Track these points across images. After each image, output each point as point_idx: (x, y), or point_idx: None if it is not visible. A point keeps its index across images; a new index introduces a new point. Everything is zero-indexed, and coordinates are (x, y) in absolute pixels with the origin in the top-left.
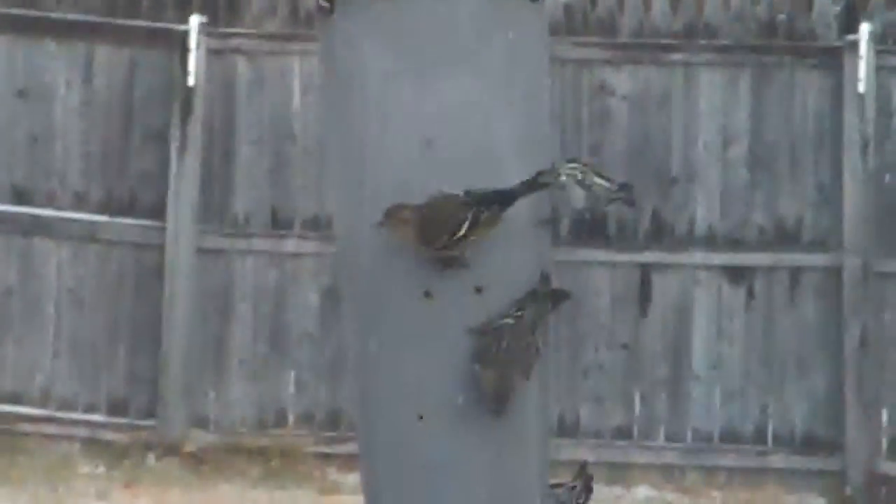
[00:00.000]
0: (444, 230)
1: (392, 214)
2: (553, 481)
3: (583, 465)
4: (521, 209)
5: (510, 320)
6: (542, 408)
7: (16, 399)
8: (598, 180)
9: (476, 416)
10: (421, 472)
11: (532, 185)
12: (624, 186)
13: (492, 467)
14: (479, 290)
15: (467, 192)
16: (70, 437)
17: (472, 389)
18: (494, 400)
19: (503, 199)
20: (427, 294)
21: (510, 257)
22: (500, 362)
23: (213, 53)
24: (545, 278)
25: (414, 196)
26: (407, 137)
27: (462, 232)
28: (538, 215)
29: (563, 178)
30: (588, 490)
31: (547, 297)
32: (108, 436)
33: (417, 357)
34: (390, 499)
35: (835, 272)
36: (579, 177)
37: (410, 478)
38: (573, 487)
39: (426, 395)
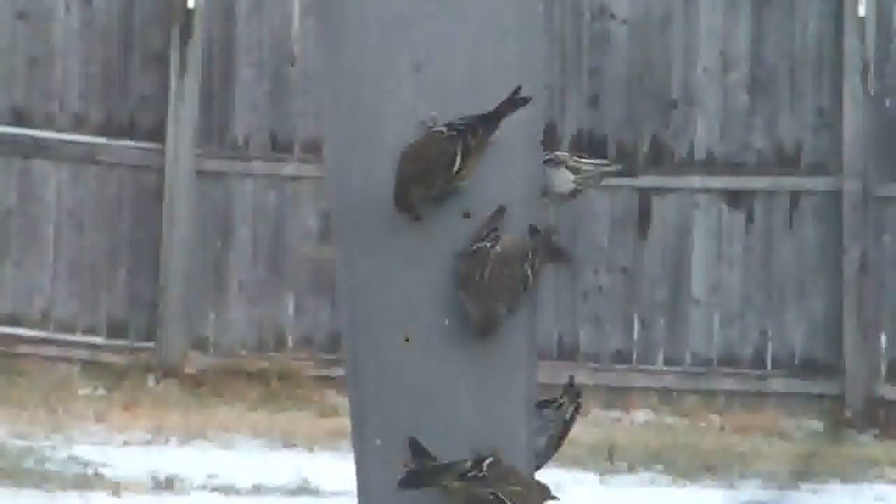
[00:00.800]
0: (439, 169)
1: (400, 197)
2: (539, 398)
3: (569, 382)
4: (511, 130)
5: (487, 243)
6: (530, 329)
7: (15, 321)
8: (586, 165)
9: (462, 339)
10: (407, 394)
11: (513, 102)
12: (623, 160)
13: (478, 388)
14: (467, 215)
15: (449, 125)
16: (69, 359)
17: (458, 313)
18: (479, 326)
19: (487, 122)
20: (416, 218)
21: (499, 180)
22: (483, 290)
23: None
24: (542, 212)
25: (404, 119)
26: (398, 60)
27: (457, 166)
28: (530, 136)
29: (557, 154)
30: (577, 407)
31: (542, 235)
32: (108, 358)
33: (406, 280)
34: (376, 420)
35: (834, 196)
36: (570, 163)
37: (396, 399)
38: (560, 405)
39: (413, 318)
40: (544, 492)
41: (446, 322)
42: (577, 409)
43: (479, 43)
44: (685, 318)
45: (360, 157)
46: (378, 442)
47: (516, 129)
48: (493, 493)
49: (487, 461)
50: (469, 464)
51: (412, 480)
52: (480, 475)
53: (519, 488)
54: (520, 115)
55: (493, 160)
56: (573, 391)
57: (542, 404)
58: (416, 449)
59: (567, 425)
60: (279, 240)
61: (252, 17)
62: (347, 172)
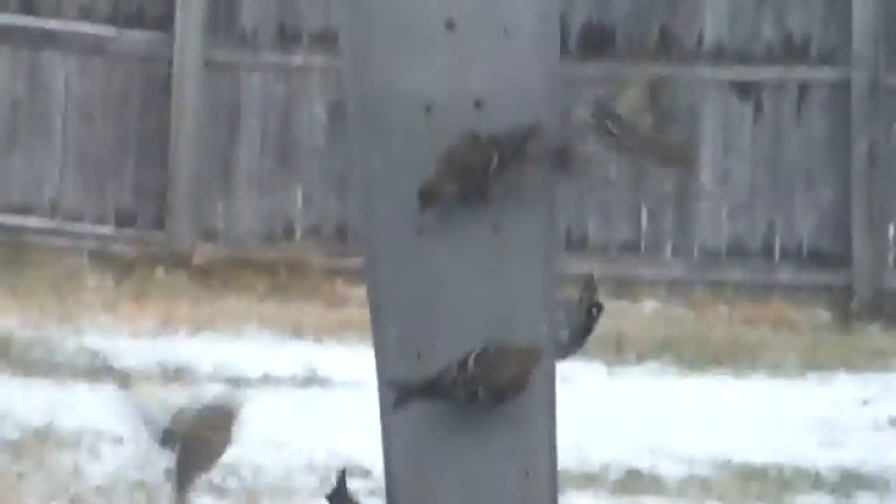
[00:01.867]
0: (475, 172)
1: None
2: (562, 296)
3: (589, 279)
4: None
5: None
6: (548, 220)
7: (24, 211)
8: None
9: (477, 229)
10: (422, 285)
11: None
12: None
13: (494, 278)
14: (478, 104)
15: (491, 136)
16: (78, 250)
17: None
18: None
19: (523, 139)
20: (428, 109)
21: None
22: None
23: None
24: None
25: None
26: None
27: (492, 169)
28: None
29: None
30: (597, 304)
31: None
32: (116, 248)
33: (420, 171)
34: (393, 311)
35: (843, 86)
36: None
37: (412, 290)
38: (581, 301)
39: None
40: (536, 355)
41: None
42: (598, 307)
43: None
44: (693, 209)
45: (380, 47)
46: (394, 334)
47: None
48: (481, 389)
49: (473, 356)
50: (455, 367)
51: (402, 401)
52: (464, 378)
53: (509, 371)
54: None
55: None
56: (592, 287)
57: (562, 301)
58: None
59: (590, 321)
60: (287, 131)
61: None
62: (365, 62)
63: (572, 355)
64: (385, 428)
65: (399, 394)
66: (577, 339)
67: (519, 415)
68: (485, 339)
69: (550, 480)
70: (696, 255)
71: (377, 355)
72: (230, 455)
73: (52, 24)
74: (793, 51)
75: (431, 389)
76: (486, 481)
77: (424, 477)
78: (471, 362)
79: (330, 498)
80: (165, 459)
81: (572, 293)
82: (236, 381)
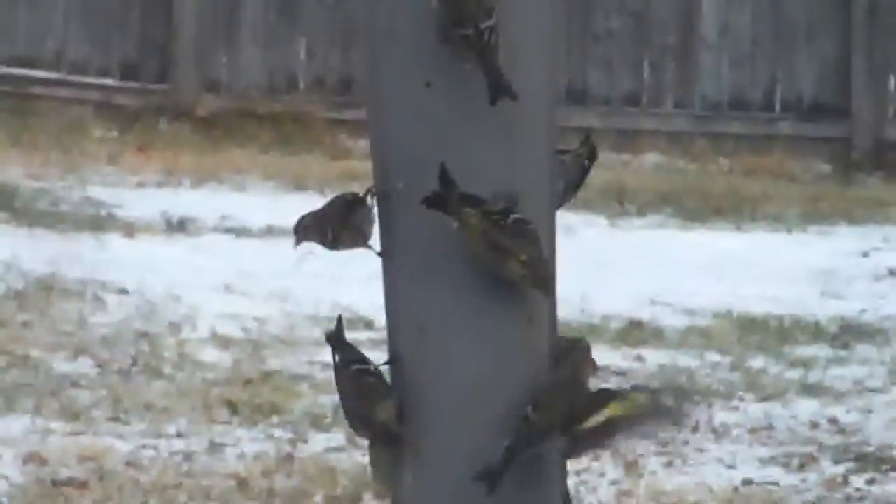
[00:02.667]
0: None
1: None
2: (560, 148)
3: (587, 133)
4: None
5: None
6: (551, 78)
7: (29, 63)
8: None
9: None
10: (429, 136)
11: None
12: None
13: (501, 132)
14: None
15: None
16: (82, 101)
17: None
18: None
19: None
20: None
21: None
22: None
23: None
24: None
25: None
26: None
27: None
28: None
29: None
30: (593, 156)
31: None
32: (121, 100)
33: (426, 23)
34: (398, 164)
35: None
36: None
37: (418, 141)
38: (579, 154)
39: (436, 62)
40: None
41: (466, 66)
42: (593, 158)
43: None
44: (695, 62)
45: None
46: (400, 185)
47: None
48: (508, 247)
49: (514, 216)
50: (498, 208)
51: (434, 201)
52: (502, 221)
53: (533, 254)
54: None
55: None
56: (590, 142)
57: (560, 152)
58: (445, 177)
59: (584, 172)
60: None
61: None
62: None
63: (564, 205)
64: (388, 279)
65: (433, 195)
66: (571, 189)
67: None
68: (491, 192)
69: (551, 329)
70: (697, 107)
71: (381, 210)
72: (234, 306)
73: None
74: None
75: (465, 204)
76: (490, 330)
77: (427, 327)
78: (511, 219)
79: (328, 339)
80: (170, 311)
81: (571, 145)
82: (239, 232)
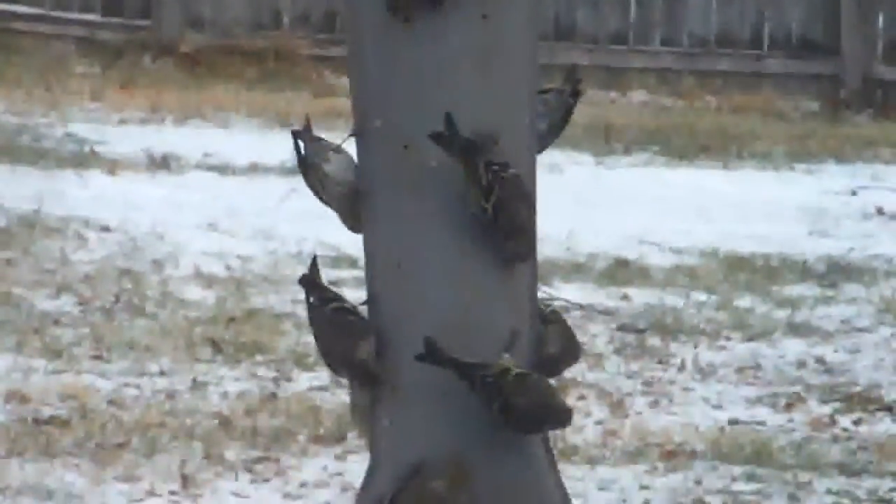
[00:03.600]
0: None
1: None
2: (543, 87)
3: (571, 69)
4: None
5: None
6: (531, 16)
7: None
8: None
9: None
10: (409, 74)
11: None
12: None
13: (479, 70)
14: None
15: None
16: (65, 37)
17: None
18: None
19: None
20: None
21: None
22: None
23: None
24: None
25: None
26: None
27: None
28: None
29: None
30: (576, 93)
31: None
32: (104, 35)
33: None
34: (378, 102)
35: None
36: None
37: (398, 81)
38: (562, 91)
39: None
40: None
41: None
42: (577, 96)
43: None
44: None
45: None
46: (378, 123)
47: None
48: (497, 408)
49: (513, 374)
50: (490, 373)
51: (427, 360)
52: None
53: (530, 401)
54: None
55: None
56: (574, 78)
57: (543, 91)
58: (450, 124)
59: (568, 111)
60: None
61: None
62: None
63: (549, 145)
64: (366, 217)
65: (430, 355)
66: (555, 129)
67: None
68: (471, 131)
69: (531, 270)
70: (685, 44)
71: (359, 149)
72: (218, 244)
73: None
74: None
75: (460, 370)
76: (467, 271)
77: (404, 266)
78: (510, 378)
79: (302, 281)
80: (153, 249)
81: (556, 83)
82: (223, 170)
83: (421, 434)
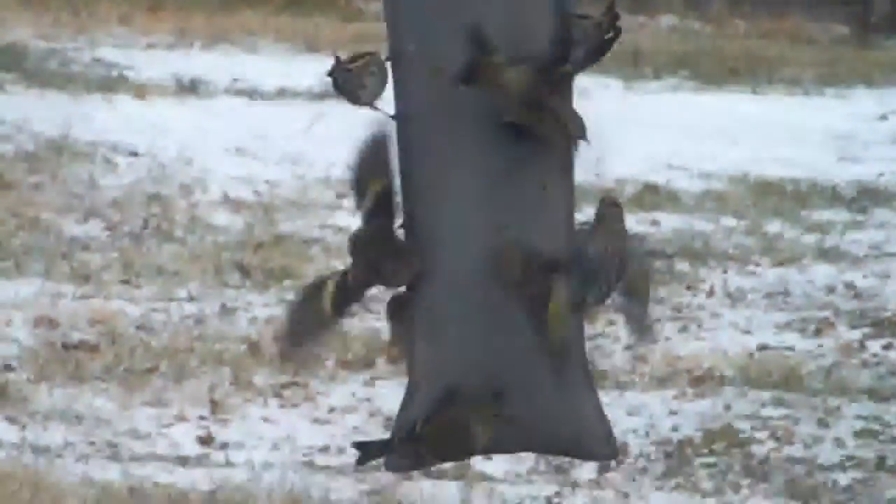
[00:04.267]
0: None
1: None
2: (580, 12)
3: (610, 4)
4: None
5: None
6: None
7: None
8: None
9: None
10: None
11: None
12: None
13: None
14: None
15: None
16: None
17: None
18: None
19: None
20: None
21: None
22: None
23: None
24: None
25: None
26: None
27: None
28: None
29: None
30: (614, 27)
31: None
32: None
33: None
34: (410, 25)
35: None
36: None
37: (427, 5)
38: (600, 24)
39: None
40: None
41: None
42: (614, 28)
43: None
44: None
45: None
46: (412, 47)
47: None
48: (426, 452)
49: (420, 422)
50: (405, 431)
51: (364, 461)
52: (412, 442)
53: (452, 439)
54: None
55: None
56: (612, 12)
57: (579, 17)
58: (477, 37)
59: (604, 42)
60: None
61: None
62: None
63: (582, 72)
64: (401, 142)
65: (363, 453)
66: (590, 56)
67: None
68: (504, 49)
69: (567, 195)
70: None
71: (394, 72)
72: (246, 169)
73: None
74: None
75: (388, 448)
76: (504, 192)
77: (439, 190)
78: (418, 428)
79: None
80: (182, 174)
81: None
82: (251, 94)
83: (457, 357)
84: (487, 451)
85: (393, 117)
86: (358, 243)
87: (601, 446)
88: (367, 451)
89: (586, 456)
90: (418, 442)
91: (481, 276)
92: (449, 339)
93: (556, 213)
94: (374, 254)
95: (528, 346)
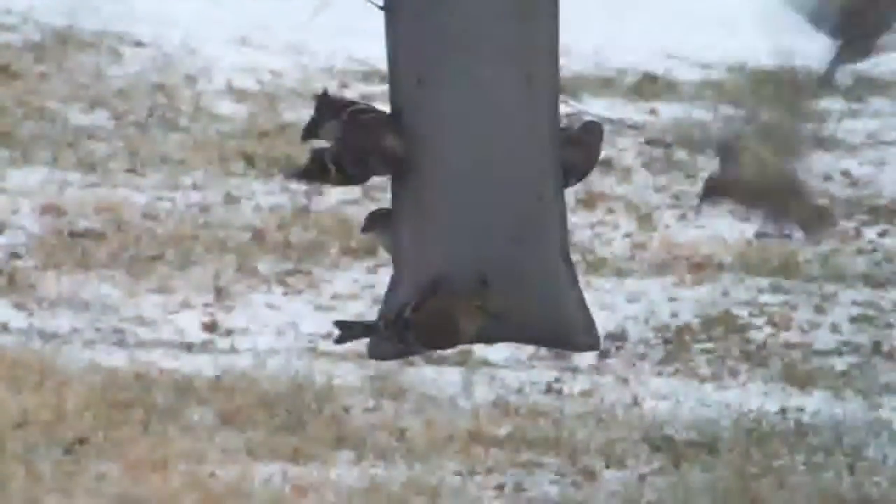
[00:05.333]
0: None
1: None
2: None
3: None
4: None
5: None
6: None
7: None
8: None
9: None
10: None
11: None
12: None
13: None
14: None
15: None
16: None
17: None
18: None
19: None
20: None
21: None
22: None
23: None
24: None
25: None
26: None
27: None
28: None
29: None
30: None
31: None
32: None
33: None
34: None
35: None
36: None
37: None
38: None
39: None
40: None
41: None
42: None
43: None
44: None
45: None
46: None
47: None
48: (412, 337)
49: (409, 307)
50: (394, 314)
51: (345, 339)
52: (399, 325)
53: (440, 324)
54: None
55: None
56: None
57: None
58: None
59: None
60: None
61: None
62: None
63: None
64: (389, 32)
65: (343, 332)
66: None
67: (520, 15)
68: None
69: (552, 87)
70: None
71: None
72: (250, 59)
73: None
74: None
75: (371, 331)
76: (487, 86)
77: (425, 81)
78: (407, 313)
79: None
80: (186, 64)
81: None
82: None
83: (442, 248)
84: (472, 342)
85: (381, 8)
86: (347, 132)
87: (583, 336)
88: (349, 330)
89: (569, 346)
90: (406, 327)
91: (468, 166)
92: (434, 230)
93: (540, 106)
94: (362, 141)
95: (512, 238)
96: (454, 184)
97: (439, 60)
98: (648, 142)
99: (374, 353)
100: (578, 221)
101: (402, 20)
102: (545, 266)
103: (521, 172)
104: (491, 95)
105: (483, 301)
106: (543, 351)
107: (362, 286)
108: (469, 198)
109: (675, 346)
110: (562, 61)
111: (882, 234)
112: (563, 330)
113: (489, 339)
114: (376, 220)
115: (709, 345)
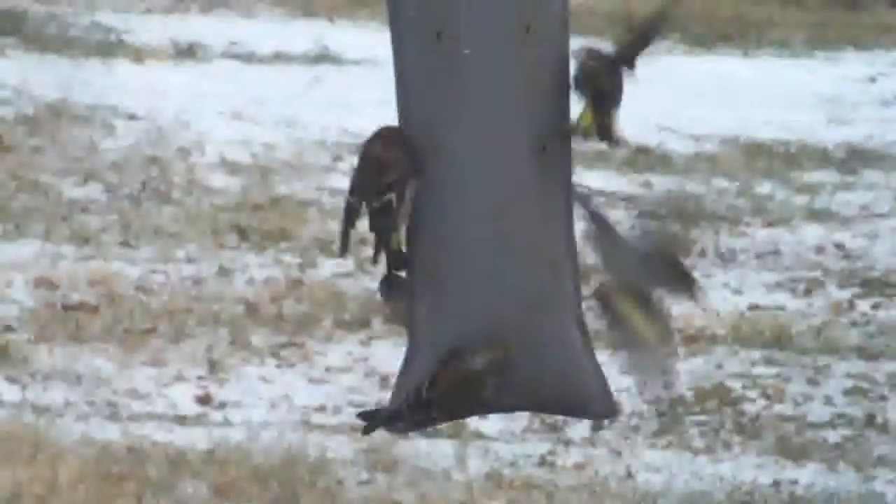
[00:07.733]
0: None
1: None
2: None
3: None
4: None
5: None
6: None
7: None
8: None
9: None
10: None
11: None
12: None
13: None
14: None
15: None
16: None
17: None
18: None
19: None
20: None
21: None
22: None
23: None
24: None
25: None
26: None
27: None
28: None
29: None
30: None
31: None
32: None
33: None
34: None
35: None
36: None
37: None
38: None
39: None
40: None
41: None
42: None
43: None
44: None
45: None
46: (412, 12)
47: None
48: (436, 414)
49: (425, 384)
50: (412, 395)
51: (370, 430)
52: (419, 405)
53: (460, 393)
54: None
55: None
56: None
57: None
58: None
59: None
60: None
61: None
62: None
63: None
64: (401, 101)
65: (368, 422)
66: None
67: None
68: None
69: (565, 154)
70: None
71: (393, 35)
72: (242, 132)
73: None
74: None
75: (396, 418)
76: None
77: (438, 152)
78: (424, 391)
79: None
80: (179, 137)
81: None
82: (248, 58)
83: (458, 319)
84: (490, 410)
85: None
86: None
87: (600, 404)
88: (373, 419)
89: (585, 414)
90: (428, 405)
91: (485, 236)
92: (450, 301)
93: (555, 180)
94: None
95: (529, 305)
96: (469, 253)
97: (451, 128)
98: (642, 214)
99: (394, 428)
100: None
101: (414, 92)
102: (561, 334)
103: (535, 241)
104: (504, 164)
105: (501, 367)
106: (537, 423)
107: (356, 359)
108: (485, 266)
109: (668, 418)
110: None
111: (875, 307)
112: (579, 398)
113: (505, 408)
114: (392, 287)
115: (702, 417)
